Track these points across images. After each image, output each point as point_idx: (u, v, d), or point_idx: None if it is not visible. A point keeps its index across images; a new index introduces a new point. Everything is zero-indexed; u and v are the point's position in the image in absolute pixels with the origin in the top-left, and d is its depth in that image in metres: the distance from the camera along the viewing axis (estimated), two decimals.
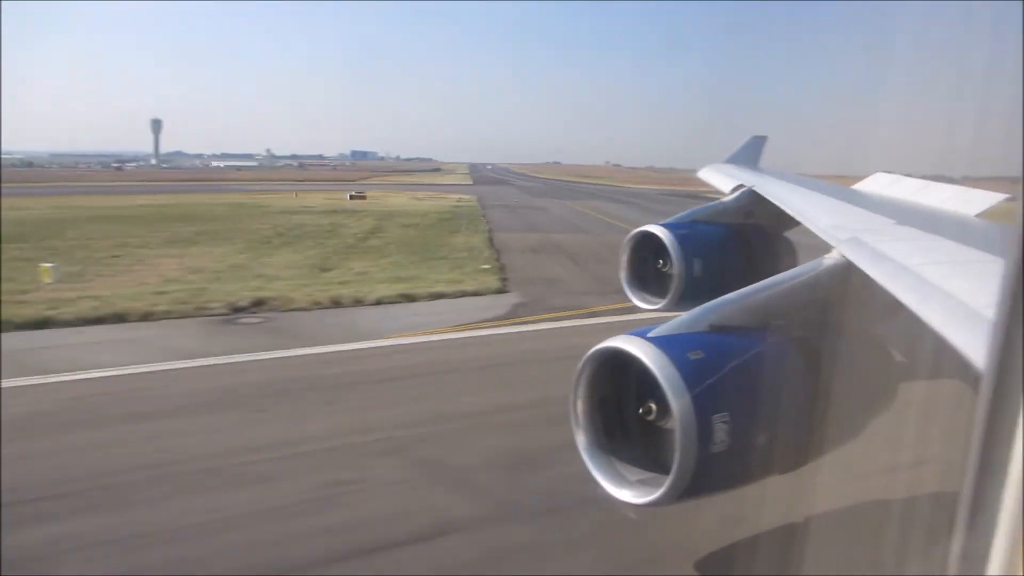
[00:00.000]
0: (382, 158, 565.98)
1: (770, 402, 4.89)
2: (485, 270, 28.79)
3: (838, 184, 10.39)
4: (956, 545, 1.28)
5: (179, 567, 7.62)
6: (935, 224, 6.90)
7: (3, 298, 20.59)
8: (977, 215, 7.41)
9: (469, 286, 25.07)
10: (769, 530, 7.48)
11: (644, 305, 9.09)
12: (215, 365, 15.39)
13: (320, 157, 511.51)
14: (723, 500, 5.53)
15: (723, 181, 10.35)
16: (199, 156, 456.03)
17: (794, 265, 7.53)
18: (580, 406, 5.26)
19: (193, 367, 15.21)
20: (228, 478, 9.71)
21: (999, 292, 1.23)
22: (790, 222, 8.21)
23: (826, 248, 5.67)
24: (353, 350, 16.91)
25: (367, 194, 77.51)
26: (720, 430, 4.57)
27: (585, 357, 5.17)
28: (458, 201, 74.59)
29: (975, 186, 8.01)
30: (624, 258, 9.33)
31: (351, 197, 72.51)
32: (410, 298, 23.04)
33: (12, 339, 16.94)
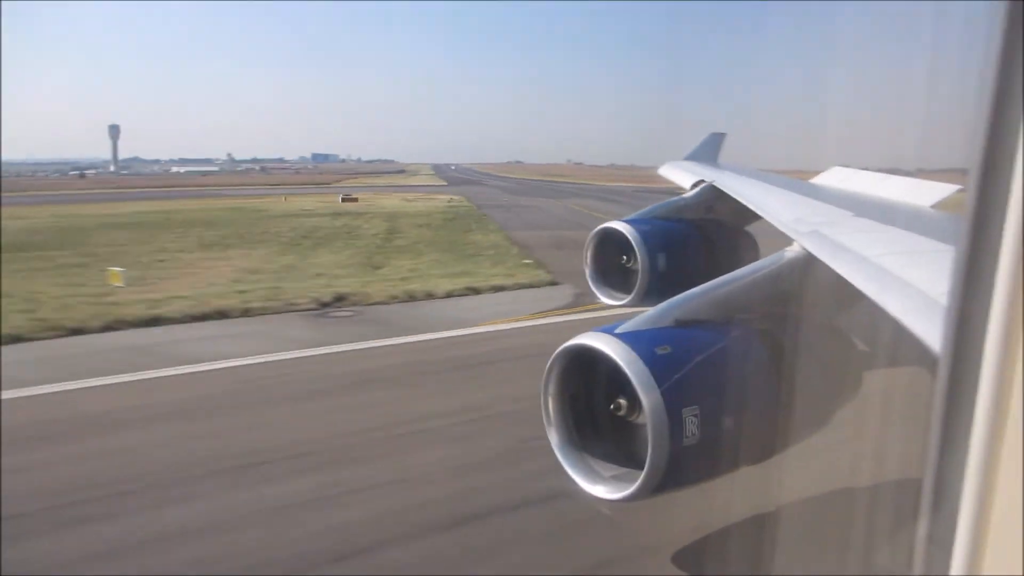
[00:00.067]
0: (343, 160, 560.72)
1: (738, 394, 4.94)
2: (528, 265, 29.35)
3: (796, 179, 10.56)
4: (922, 528, 1.31)
5: (427, 509, 8.68)
6: (891, 215, 7.03)
7: (85, 301, 21.32)
8: (931, 206, 7.58)
9: (522, 279, 25.81)
10: (741, 521, 7.57)
11: (609, 301, 9.16)
12: (344, 352, 16.41)
13: (281, 160, 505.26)
14: (695, 493, 5.59)
15: (683, 177, 10.47)
16: (156, 162, 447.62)
17: (756, 258, 7.63)
18: (551, 404, 5.27)
19: (326, 353, 16.24)
20: (438, 438, 10.96)
21: (951, 280, 1.26)
22: (751, 216, 8.33)
23: (786, 241, 5.76)
24: (464, 335, 17.98)
25: (357, 197, 76.57)
26: (691, 423, 4.61)
27: (554, 355, 5.19)
28: (450, 202, 74.29)
29: (928, 178, 8.19)
30: (588, 254, 9.39)
31: (343, 200, 71.54)
32: (475, 291, 23.97)
33: (139, 335, 17.93)
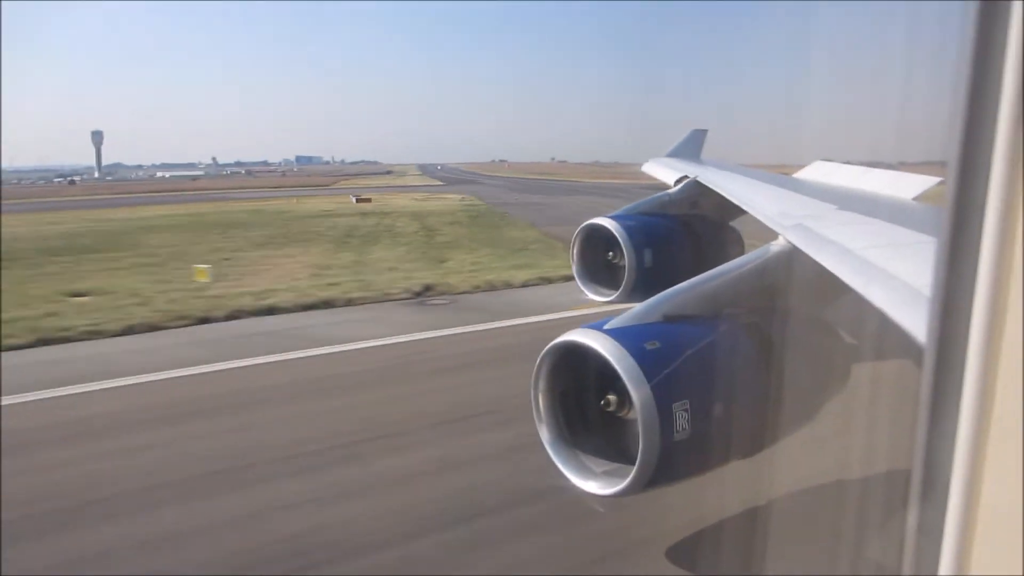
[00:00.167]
0: (327, 162, 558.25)
1: (728, 388, 4.97)
2: None
3: (779, 173, 10.61)
4: (911, 518, 1.32)
5: None
6: (875, 208, 7.09)
7: (188, 295, 22.55)
8: (914, 198, 7.64)
9: None
10: (732, 515, 7.60)
11: (596, 297, 9.18)
12: (464, 333, 17.56)
13: (265, 163, 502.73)
14: (687, 488, 5.62)
15: (667, 174, 10.50)
16: (139, 167, 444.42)
17: (741, 253, 7.66)
18: (541, 400, 5.30)
19: (448, 335, 17.44)
20: None
21: (934, 272, 1.27)
22: (735, 211, 8.36)
23: (771, 235, 5.79)
24: (562, 318, 17.95)
25: (370, 197, 76.33)
26: (681, 418, 4.64)
27: (543, 352, 5.21)
28: (462, 200, 74.29)
29: (910, 171, 8.25)
30: (574, 251, 9.42)
31: (357, 200, 71.50)
32: (548, 280, 24.63)
33: (268, 323, 19.38)
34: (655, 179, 11.31)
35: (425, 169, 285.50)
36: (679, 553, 7.54)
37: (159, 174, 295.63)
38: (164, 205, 77.74)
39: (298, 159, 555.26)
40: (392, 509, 8.81)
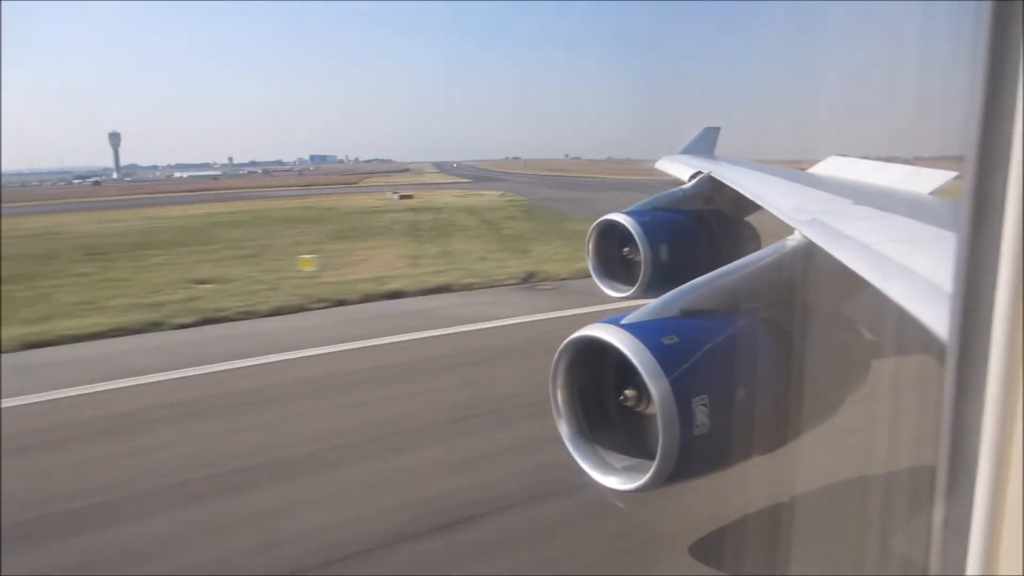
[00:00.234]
0: (342, 161, 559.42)
1: (747, 383, 4.95)
2: None
3: (793, 169, 10.57)
4: (938, 514, 1.32)
5: None
6: (891, 203, 7.04)
7: (307, 283, 23.52)
8: (930, 193, 7.59)
9: None
10: (756, 511, 7.59)
11: (613, 293, 9.19)
12: (585, 313, 16.93)
13: (279, 163, 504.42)
14: (708, 483, 5.63)
15: (681, 170, 10.48)
16: (154, 168, 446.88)
17: (757, 248, 7.64)
18: (560, 396, 5.31)
19: (572, 315, 17.73)
20: None
21: (954, 267, 1.27)
22: (750, 206, 8.33)
23: (786, 231, 5.78)
24: None
25: (412, 194, 76.76)
26: (700, 413, 4.63)
27: (561, 347, 5.23)
28: (502, 196, 74.66)
29: (926, 166, 8.20)
30: (590, 247, 9.43)
31: (400, 197, 72.00)
32: None
33: (402, 304, 20.63)
34: (669, 175, 11.30)
35: (441, 166, 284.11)
36: (702, 549, 7.54)
37: (176, 174, 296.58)
38: (207, 204, 78.11)
39: (312, 158, 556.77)
40: None
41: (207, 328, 18.24)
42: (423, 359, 14.93)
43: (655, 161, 12.26)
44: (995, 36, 1.17)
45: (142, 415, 11.79)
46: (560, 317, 17.80)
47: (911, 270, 3.62)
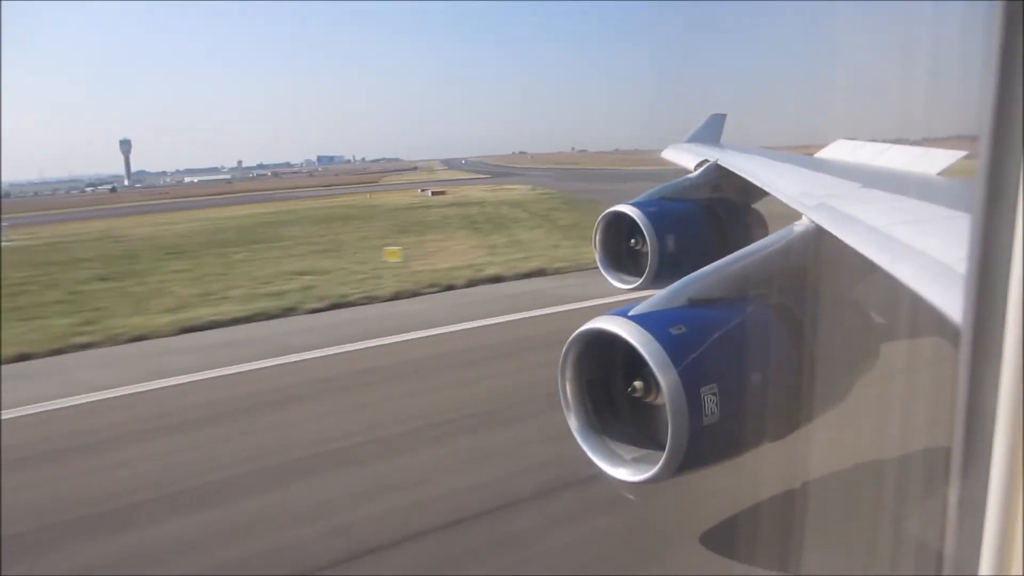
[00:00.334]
0: (349, 161, 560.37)
1: (756, 371, 4.93)
2: None
3: (800, 154, 10.48)
4: (953, 495, 1.31)
5: None
6: (899, 185, 6.98)
7: (404, 272, 24.01)
8: (938, 173, 7.51)
9: None
10: (769, 497, 7.54)
11: (620, 285, 9.16)
12: None
13: (287, 164, 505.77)
14: (719, 472, 5.58)
15: (687, 159, 10.43)
16: (163, 174, 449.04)
17: (765, 235, 7.58)
18: (569, 388, 5.31)
19: None
20: None
21: (968, 246, 1.25)
22: (757, 193, 8.29)
23: (794, 217, 5.72)
24: None
25: (445, 190, 77.08)
26: (709, 402, 4.63)
27: (569, 340, 5.21)
28: (533, 189, 74.55)
29: (934, 146, 8.11)
30: (597, 239, 9.39)
31: (432, 193, 72.45)
32: None
33: (506, 288, 21.08)
34: (676, 165, 11.23)
35: (449, 163, 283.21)
36: (715, 538, 7.49)
37: (187, 179, 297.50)
38: (238, 206, 77.88)
39: (320, 159, 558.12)
40: None
41: (341, 312, 19.14)
42: (559, 330, 15.04)
43: (661, 151, 12.20)
44: (1008, 13, 1.15)
45: (341, 380, 13.11)
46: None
47: (921, 252, 3.56)
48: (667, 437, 4.60)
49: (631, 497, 6.83)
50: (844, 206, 5.13)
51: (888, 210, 4.92)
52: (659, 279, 8.36)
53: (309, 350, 14.76)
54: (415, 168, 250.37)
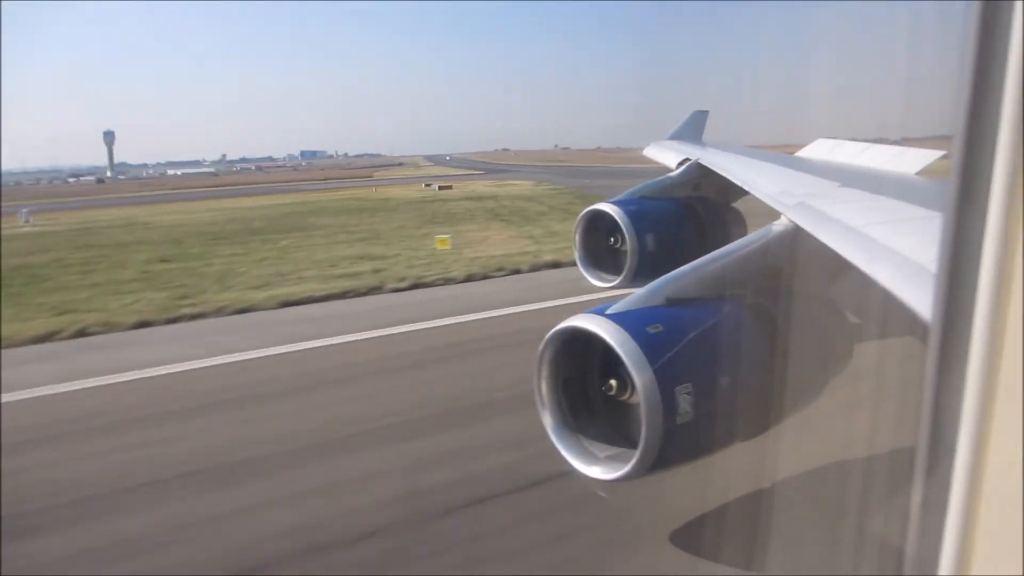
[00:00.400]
0: (331, 156, 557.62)
1: (730, 370, 4.94)
2: None
3: (781, 153, 10.51)
4: (916, 494, 1.32)
5: None
6: (877, 184, 7.01)
7: (463, 258, 25.08)
8: (916, 173, 7.54)
9: None
10: (737, 497, 7.57)
11: (599, 283, 9.14)
12: None
13: (270, 159, 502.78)
14: (690, 471, 5.58)
15: (669, 157, 10.42)
16: (144, 166, 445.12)
17: (744, 234, 7.59)
18: (544, 387, 5.29)
19: None
20: None
21: (939, 247, 1.26)
22: (737, 192, 8.29)
23: (774, 216, 5.71)
24: None
25: (452, 185, 77.89)
26: (684, 401, 4.63)
27: (545, 338, 5.18)
28: (538, 184, 75.47)
29: (914, 146, 8.15)
30: (576, 237, 9.37)
31: (440, 188, 73.54)
32: None
33: (566, 272, 20.71)
34: (657, 162, 11.22)
35: (434, 159, 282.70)
36: (683, 536, 7.50)
37: (169, 172, 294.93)
38: (243, 198, 78.00)
39: (303, 154, 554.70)
40: None
41: (426, 291, 20.32)
42: None
43: (643, 148, 12.20)
44: (984, 13, 1.16)
45: (466, 345, 14.34)
46: None
47: (896, 252, 3.56)
48: (640, 436, 4.59)
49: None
50: (823, 205, 5.13)
51: (866, 209, 4.92)
52: (638, 278, 8.35)
53: (420, 321, 16.15)
54: (400, 164, 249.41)
